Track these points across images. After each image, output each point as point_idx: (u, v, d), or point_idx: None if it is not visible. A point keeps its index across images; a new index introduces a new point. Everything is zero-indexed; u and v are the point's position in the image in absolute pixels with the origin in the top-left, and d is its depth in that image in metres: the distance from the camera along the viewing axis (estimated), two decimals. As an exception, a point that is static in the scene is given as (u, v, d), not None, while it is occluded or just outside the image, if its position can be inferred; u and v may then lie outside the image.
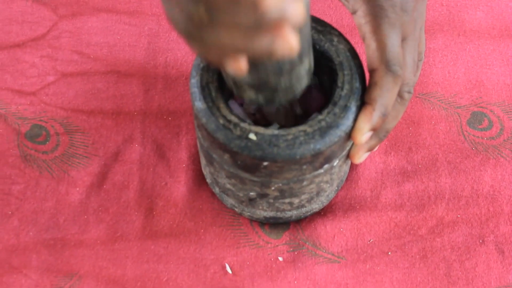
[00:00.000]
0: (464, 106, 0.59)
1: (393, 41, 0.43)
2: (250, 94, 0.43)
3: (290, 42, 0.32)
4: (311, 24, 0.46)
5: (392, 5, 0.43)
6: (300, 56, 0.41)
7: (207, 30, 0.32)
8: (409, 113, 0.58)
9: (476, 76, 0.60)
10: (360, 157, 0.47)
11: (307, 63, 0.43)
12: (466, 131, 0.58)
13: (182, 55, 0.61)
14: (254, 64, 0.40)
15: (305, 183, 0.47)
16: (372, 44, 0.44)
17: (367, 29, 0.44)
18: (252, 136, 0.43)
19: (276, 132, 0.43)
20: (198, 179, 0.56)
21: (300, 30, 0.39)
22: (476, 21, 0.63)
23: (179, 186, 0.56)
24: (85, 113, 0.59)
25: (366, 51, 0.45)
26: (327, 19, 0.62)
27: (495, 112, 0.59)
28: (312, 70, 0.45)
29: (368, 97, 0.44)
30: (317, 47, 0.46)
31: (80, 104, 0.59)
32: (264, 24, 0.31)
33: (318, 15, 0.62)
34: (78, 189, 0.56)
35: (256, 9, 0.30)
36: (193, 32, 0.33)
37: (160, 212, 0.55)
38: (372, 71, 0.44)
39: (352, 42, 0.60)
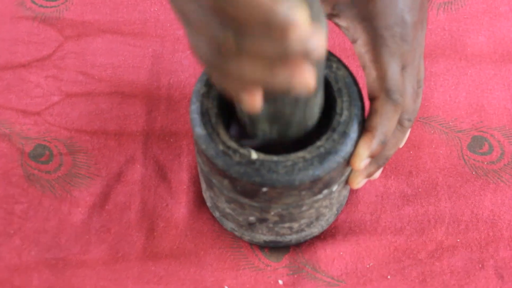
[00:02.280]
0: (464, 130, 0.59)
1: (393, 69, 0.44)
2: (264, 127, 0.44)
3: (308, 78, 0.32)
4: None
5: (392, 35, 0.44)
6: (315, 91, 0.42)
7: (231, 59, 0.33)
8: (410, 136, 0.59)
9: (477, 101, 0.61)
10: (359, 183, 0.48)
11: (320, 98, 0.44)
12: (467, 155, 0.58)
13: (186, 77, 0.62)
14: (272, 98, 0.40)
15: (304, 208, 0.47)
16: (373, 73, 0.45)
17: (367, 58, 0.45)
18: (254, 156, 0.43)
19: (275, 158, 0.43)
20: (199, 201, 0.56)
21: (317, 65, 0.39)
22: (478, 45, 0.63)
23: (180, 208, 0.56)
24: (88, 133, 0.60)
25: (367, 80, 0.45)
26: (329, 43, 0.62)
27: (496, 137, 0.59)
28: (322, 105, 0.45)
29: (369, 124, 0.45)
30: None
31: (84, 125, 0.60)
32: (288, 55, 0.31)
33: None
34: (80, 209, 0.56)
35: (284, 38, 0.30)
36: (216, 61, 0.34)
37: (161, 233, 0.55)
38: (372, 99, 0.45)
39: (354, 66, 0.61)
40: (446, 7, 0.66)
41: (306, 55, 0.31)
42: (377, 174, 0.48)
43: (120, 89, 0.62)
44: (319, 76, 0.41)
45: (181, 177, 0.57)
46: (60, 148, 0.59)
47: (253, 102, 0.35)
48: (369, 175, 0.47)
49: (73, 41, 0.64)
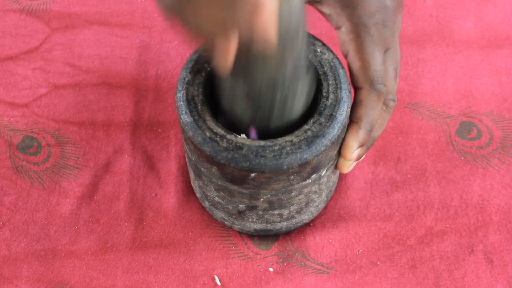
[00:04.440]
0: (453, 116, 0.59)
1: (376, 59, 0.45)
2: (246, 113, 0.44)
3: (266, 26, 0.33)
4: None
5: (375, 22, 0.45)
6: (295, 74, 0.42)
7: (187, 2, 0.33)
8: (398, 123, 0.59)
9: (465, 86, 0.61)
10: (349, 167, 0.48)
11: (306, 85, 0.44)
12: (455, 140, 0.58)
13: (173, 67, 0.62)
14: (246, 68, 0.40)
15: (293, 193, 0.47)
16: (356, 63, 0.45)
17: (350, 46, 0.45)
18: (241, 140, 0.43)
19: (262, 143, 0.43)
20: (188, 190, 0.56)
21: (291, 45, 0.40)
22: (465, 31, 0.63)
23: (169, 197, 0.56)
24: (76, 124, 0.59)
25: (350, 69, 0.46)
26: (316, 30, 0.62)
27: (484, 122, 0.59)
28: (311, 97, 0.45)
29: (354, 115, 0.45)
30: None
31: (72, 116, 0.60)
32: (239, 2, 0.32)
33: (309, 26, 0.62)
34: (69, 200, 0.56)
35: None
36: (173, 5, 0.34)
37: (150, 223, 0.55)
38: (356, 89, 0.46)
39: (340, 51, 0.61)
40: (433, -7, 0.66)
41: (255, 7, 0.32)
42: (364, 154, 0.49)
43: (108, 80, 0.61)
44: (296, 57, 0.41)
45: (170, 167, 0.57)
46: (48, 139, 0.59)
47: (224, 52, 0.35)
48: (359, 158, 0.47)
49: (60, 33, 0.64)
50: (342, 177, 0.56)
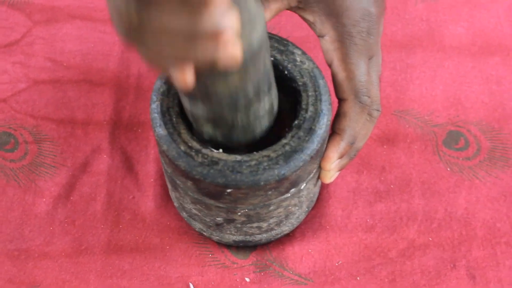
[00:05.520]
0: (440, 124, 0.58)
1: (361, 70, 0.43)
2: (208, 130, 0.43)
3: (232, 52, 0.31)
4: (272, 44, 0.45)
5: (360, 31, 0.43)
6: (257, 93, 0.40)
7: (141, 32, 0.30)
8: (384, 130, 0.57)
9: (454, 94, 0.59)
10: (331, 177, 0.47)
11: (268, 103, 0.42)
12: (442, 151, 0.57)
13: (156, 65, 0.60)
14: (207, 94, 0.39)
15: (272, 207, 0.45)
16: (341, 73, 0.44)
17: (335, 56, 0.44)
18: (216, 155, 0.42)
19: (239, 158, 0.42)
20: (166, 194, 0.55)
21: (254, 65, 0.38)
22: (457, 37, 0.61)
23: (146, 201, 0.55)
24: (55, 121, 0.58)
25: (334, 78, 0.45)
26: (303, 32, 0.60)
27: (472, 132, 0.57)
28: (275, 112, 0.44)
29: (337, 127, 0.44)
30: (280, 67, 0.45)
31: (51, 113, 0.58)
32: (200, 33, 0.30)
33: (295, 28, 0.60)
34: (45, 199, 0.55)
35: (198, 15, 0.29)
36: (128, 33, 0.31)
37: (126, 226, 0.54)
38: (340, 100, 0.45)
39: (319, 58, 0.59)
40: (425, -4, 0.64)
41: (217, 35, 0.30)
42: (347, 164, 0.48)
43: (89, 77, 0.60)
44: (260, 77, 0.39)
45: (148, 169, 0.56)
46: (25, 136, 0.57)
47: (183, 77, 0.33)
48: (341, 168, 0.46)
49: (42, 26, 0.62)
50: (324, 185, 0.55)
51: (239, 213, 0.45)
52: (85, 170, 0.56)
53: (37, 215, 0.54)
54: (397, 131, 0.57)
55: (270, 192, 0.43)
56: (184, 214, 0.51)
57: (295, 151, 0.42)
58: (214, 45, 0.31)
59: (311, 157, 0.42)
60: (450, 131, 0.57)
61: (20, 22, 0.63)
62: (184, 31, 0.30)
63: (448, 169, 0.56)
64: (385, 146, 0.56)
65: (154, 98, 0.44)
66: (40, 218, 0.54)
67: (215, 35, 0.30)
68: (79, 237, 0.54)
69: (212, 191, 0.43)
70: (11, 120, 0.58)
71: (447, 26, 0.62)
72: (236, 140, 0.43)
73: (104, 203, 0.55)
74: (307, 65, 0.44)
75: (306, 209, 0.51)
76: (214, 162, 0.42)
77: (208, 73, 0.37)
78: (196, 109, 0.41)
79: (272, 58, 0.45)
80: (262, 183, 0.42)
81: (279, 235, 0.51)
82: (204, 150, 0.42)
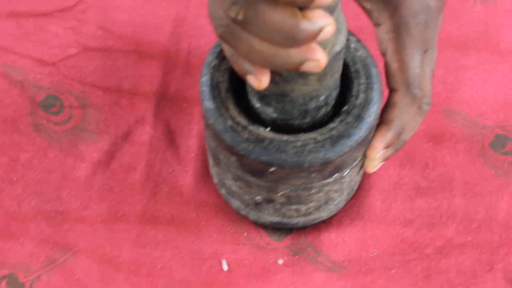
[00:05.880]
0: (488, 127, 0.57)
1: (415, 62, 0.43)
2: (273, 115, 0.43)
3: (320, 59, 0.32)
4: None
5: (417, 22, 0.43)
6: (327, 98, 0.42)
7: (240, 31, 0.32)
8: (431, 127, 0.56)
9: (504, 98, 0.58)
10: (375, 167, 0.46)
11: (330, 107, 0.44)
12: (488, 153, 0.56)
13: (206, 43, 0.60)
14: (281, 95, 0.40)
15: (313, 191, 0.45)
16: (394, 63, 0.44)
17: (390, 46, 0.44)
18: (263, 133, 0.42)
19: (285, 137, 0.42)
20: (206, 171, 0.55)
21: (331, 70, 0.39)
22: (513, 41, 0.61)
23: (186, 176, 0.55)
24: (101, 89, 0.58)
25: (386, 69, 0.44)
26: (358, 22, 0.60)
27: (520, 137, 0.57)
28: (337, 90, 0.44)
29: (386, 117, 0.44)
30: None
31: (98, 80, 0.59)
32: (299, 38, 0.31)
33: (350, 18, 0.60)
34: (85, 164, 0.55)
35: (295, 23, 0.30)
36: (227, 30, 0.33)
37: (163, 198, 0.54)
38: (391, 91, 0.44)
39: (373, 48, 0.59)
40: (484, -2, 0.64)
41: (314, 37, 0.31)
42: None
43: (139, 48, 0.60)
44: (333, 82, 0.40)
45: (190, 144, 0.56)
46: (71, 100, 0.58)
47: (260, 81, 0.34)
48: (386, 159, 0.46)
49: (96, -6, 0.63)
50: (365, 175, 0.54)
51: (279, 194, 0.45)
52: (127, 139, 0.56)
53: (76, 179, 0.55)
54: (444, 129, 0.57)
55: (313, 175, 0.43)
56: (223, 191, 0.51)
57: (342, 136, 0.42)
58: (306, 48, 0.32)
59: (358, 144, 0.42)
60: (497, 135, 0.57)
61: (76, -11, 0.63)
62: (286, 29, 0.31)
63: (493, 172, 0.55)
64: (430, 143, 0.56)
65: (205, 71, 0.44)
66: (78, 182, 0.55)
67: (315, 35, 0.31)
68: (116, 205, 0.54)
69: (255, 169, 0.43)
70: (58, 84, 0.59)
71: (505, 30, 0.61)
72: (289, 114, 0.43)
73: (143, 173, 0.55)
74: (361, 52, 0.44)
75: (346, 197, 0.51)
76: (260, 140, 0.42)
77: (287, 74, 0.38)
78: (264, 108, 0.42)
79: None
80: (306, 164, 0.41)
81: (316, 221, 0.51)
82: (251, 127, 0.42)
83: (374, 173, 0.54)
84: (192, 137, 0.56)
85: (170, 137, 0.56)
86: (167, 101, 0.58)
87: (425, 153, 0.56)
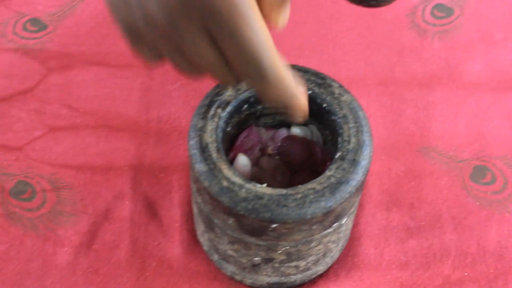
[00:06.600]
0: (466, 160, 0.58)
1: None
2: None
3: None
4: (309, 77, 0.46)
5: None
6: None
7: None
8: (410, 167, 0.57)
9: (477, 129, 0.59)
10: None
11: None
12: (469, 185, 0.57)
13: (176, 110, 0.60)
14: None
15: (313, 244, 0.45)
16: None
17: None
18: (261, 189, 0.41)
19: (284, 191, 0.41)
20: (194, 239, 0.53)
21: None
22: (475, 73, 0.63)
23: (173, 247, 0.53)
24: (73, 168, 0.57)
25: None
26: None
27: (498, 166, 0.58)
28: None
29: None
30: (318, 100, 0.45)
31: (68, 160, 0.57)
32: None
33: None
34: (65, 249, 0.53)
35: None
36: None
37: (153, 274, 0.52)
38: None
39: (358, 93, 0.59)
40: (441, 35, 0.65)
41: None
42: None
43: (107, 122, 0.59)
44: None
45: (173, 214, 0.55)
46: (43, 184, 0.56)
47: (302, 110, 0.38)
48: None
49: (57, 73, 0.62)
50: (354, 224, 0.54)
51: (279, 251, 0.45)
52: (107, 217, 0.55)
53: (58, 265, 0.53)
54: (423, 167, 0.57)
55: (314, 227, 0.43)
56: (215, 257, 0.50)
57: (340, 182, 0.42)
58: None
59: (356, 189, 0.42)
60: (476, 166, 0.58)
61: (35, 70, 0.62)
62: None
63: (477, 203, 0.56)
64: (412, 183, 0.56)
65: (192, 134, 0.44)
66: (61, 269, 0.52)
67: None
68: (104, 287, 0.52)
69: (256, 228, 0.42)
70: (27, 168, 0.57)
71: (465, 63, 0.63)
72: None
73: (128, 250, 0.53)
74: (345, 97, 0.45)
75: (341, 248, 0.50)
76: (259, 197, 0.41)
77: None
78: None
79: (310, 91, 0.45)
80: (308, 216, 0.41)
81: (314, 276, 0.50)
82: (248, 185, 0.42)
83: (363, 220, 0.54)
84: (174, 207, 0.55)
85: (151, 210, 0.55)
86: (143, 173, 0.57)
87: (409, 194, 0.56)
